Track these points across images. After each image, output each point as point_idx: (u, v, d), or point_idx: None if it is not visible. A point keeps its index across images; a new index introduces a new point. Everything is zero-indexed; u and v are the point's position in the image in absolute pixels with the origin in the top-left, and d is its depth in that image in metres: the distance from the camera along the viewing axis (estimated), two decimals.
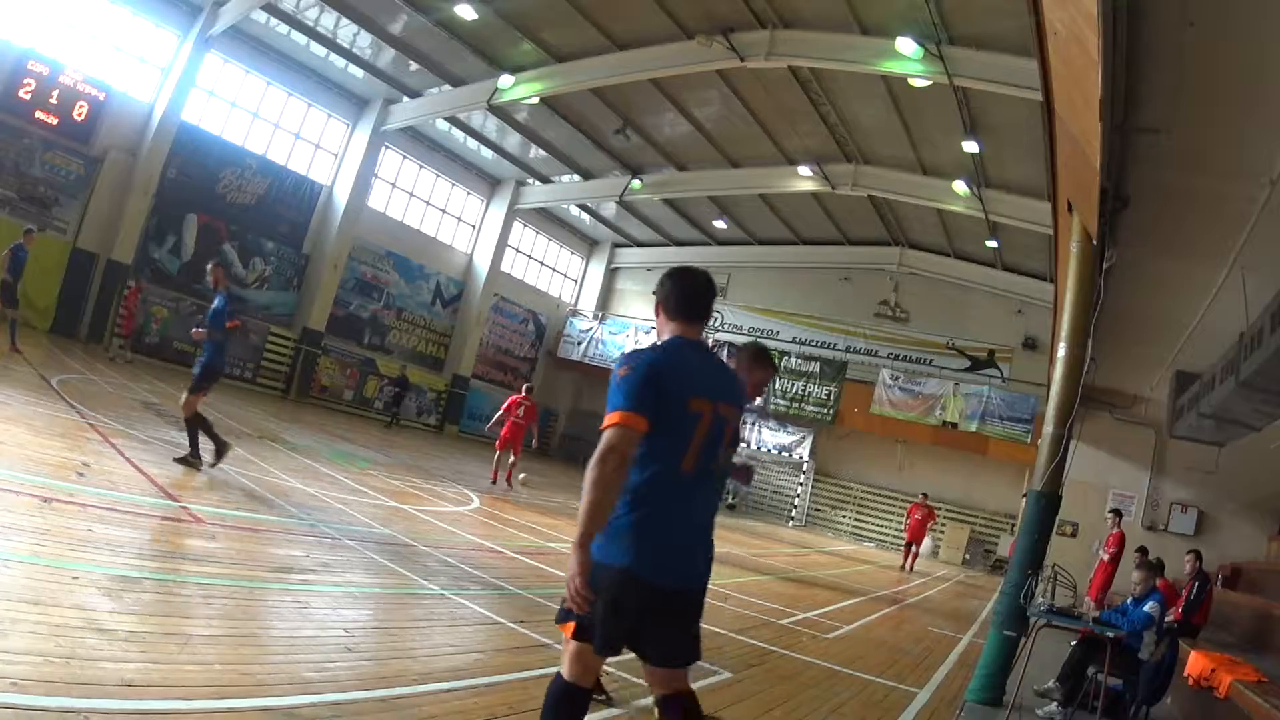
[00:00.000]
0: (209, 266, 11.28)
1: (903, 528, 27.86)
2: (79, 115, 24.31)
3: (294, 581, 6.84)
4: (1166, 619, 9.35)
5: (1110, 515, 16.97)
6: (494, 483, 19.01)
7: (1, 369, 14.28)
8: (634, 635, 3.76)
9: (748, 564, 17.27)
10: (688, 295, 4.01)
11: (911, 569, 24.46)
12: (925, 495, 26.44)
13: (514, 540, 12.20)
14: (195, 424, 10.53)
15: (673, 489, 3.76)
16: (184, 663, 4.51)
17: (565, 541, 13.41)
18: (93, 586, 5.23)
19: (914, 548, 24.99)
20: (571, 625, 3.74)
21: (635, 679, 6.24)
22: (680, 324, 3.99)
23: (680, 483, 3.77)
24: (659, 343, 3.97)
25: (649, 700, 4.94)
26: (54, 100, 23.78)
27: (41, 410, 10.91)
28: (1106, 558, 16.35)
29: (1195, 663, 8.24)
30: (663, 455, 3.72)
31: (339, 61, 28.86)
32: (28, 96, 23.32)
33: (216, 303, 10.90)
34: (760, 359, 5.34)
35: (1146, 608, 8.68)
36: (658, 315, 4.08)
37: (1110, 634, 8.29)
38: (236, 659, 4.83)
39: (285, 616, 6.00)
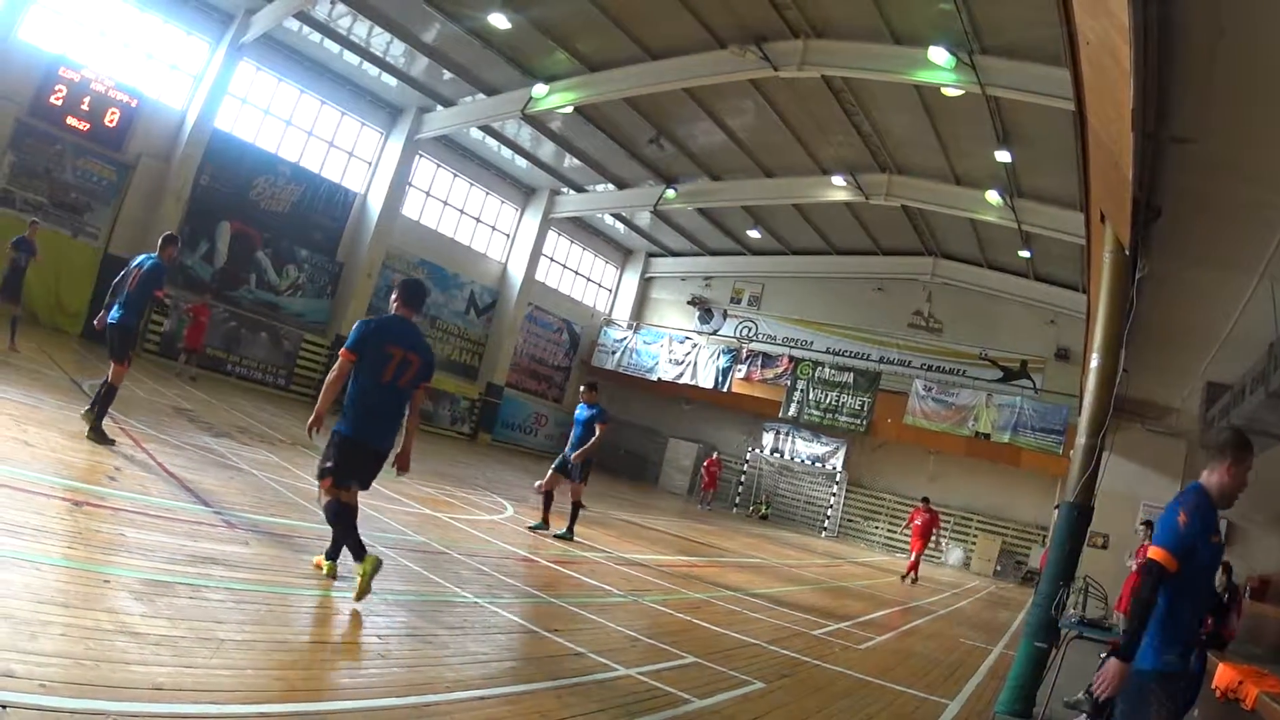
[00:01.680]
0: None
1: (908, 535, 26.58)
2: (110, 122, 24.58)
3: (328, 587, 6.89)
4: None
5: (1142, 527, 16.85)
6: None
7: (33, 374, 14.43)
8: (352, 472, 6.97)
9: (781, 575, 17.25)
10: (408, 294, 7.35)
11: (915, 579, 22.72)
12: (927, 500, 24.89)
13: (548, 549, 12.23)
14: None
15: (373, 394, 6.98)
16: (216, 668, 4.54)
17: (600, 551, 13.48)
18: (124, 590, 5.27)
19: (914, 556, 23.28)
20: (328, 480, 6.90)
21: (682, 693, 6.27)
22: (402, 308, 7.30)
23: (378, 390, 6.98)
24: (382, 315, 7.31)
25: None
26: (85, 107, 24.04)
27: (73, 414, 11.01)
28: (1135, 569, 16.24)
29: (1223, 674, 8.16)
30: (368, 374, 6.94)
31: (372, 70, 29.05)
32: (59, 103, 23.57)
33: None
34: (1248, 448, 4.94)
35: None
36: (395, 301, 7.34)
37: None
38: (269, 664, 4.87)
39: (318, 622, 6.04)
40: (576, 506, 13.87)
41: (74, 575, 5.26)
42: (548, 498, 13.81)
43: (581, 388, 14.64)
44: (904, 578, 22.55)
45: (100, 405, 10.22)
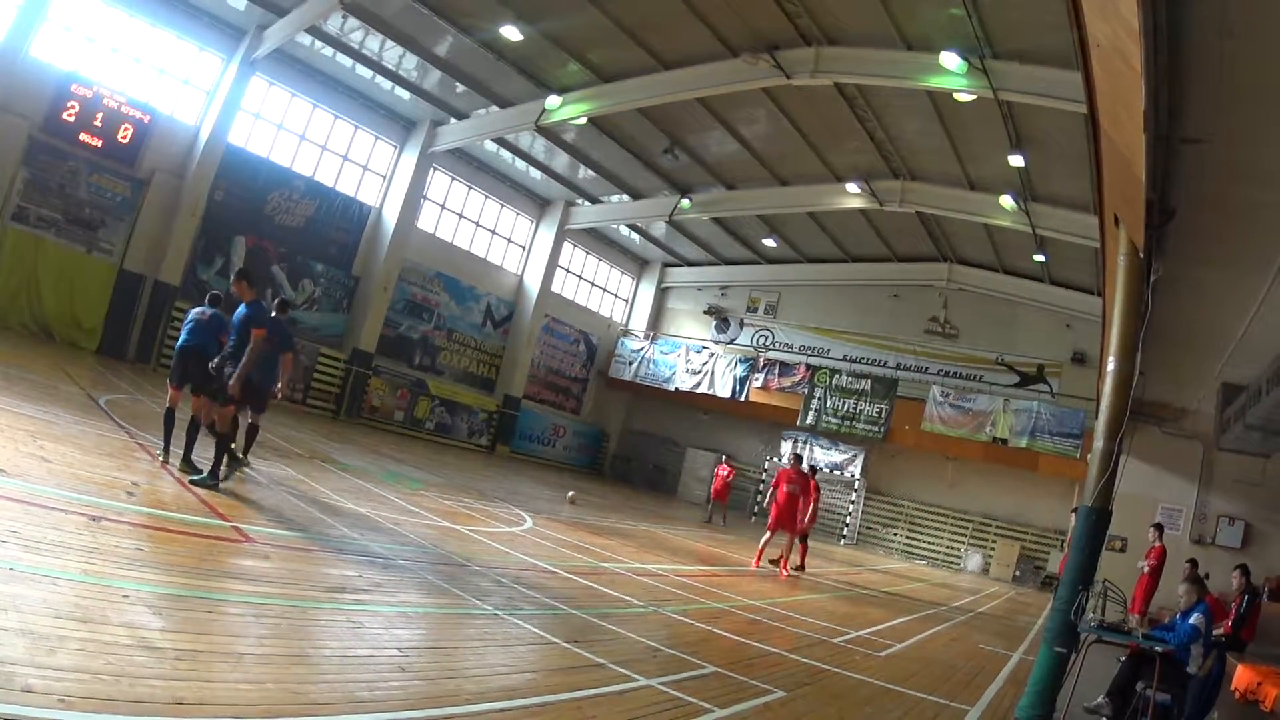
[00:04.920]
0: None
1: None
2: (124, 138, 24.81)
3: (347, 601, 6.90)
4: (1215, 633, 9.25)
5: (1152, 529, 16.81)
6: (758, 566, 17.69)
7: (49, 389, 14.52)
8: (251, 399, 11.17)
9: (801, 583, 17.19)
10: (278, 305, 12.17)
11: (797, 565, 18.64)
12: (798, 458, 20.42)
13: (567, 561, 12.21)
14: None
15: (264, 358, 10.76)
16: (236, 681, 4.55)
17: (619, 562, 13.47)
18: (142, 605, 5.29)
19: (794, 538, 18.35)
20: (230, 407, 10.39)
21: (703, 703, 6.27)
22: (279, 313, 11.91)
23: (262, 357, 10.55)
24: (259, 303, 10.57)
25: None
26: (98, 123, 24.25)
27: (89, 430, 11.08)
28: (1147, 571, 16.21)
29: (1241, 676, 8.16)
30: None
31: (385, 83, 29.22)
32: (72, 119, 23.77)
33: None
34: None
35: (1192, 620, 8.59)
36: (250, 290, 10.54)
37: (1159, 649, 8.20)
38: (289, 678, 4.88)
39: (338, 636, 6.03)
40: (222, 440, 10.36)
41: (92, 590, 5.28)
42: (222, 437, 10.31)
43: (233, 277, 10.81)
44: (773, 562, 18.09)
45: (196, 447, 10.64)
